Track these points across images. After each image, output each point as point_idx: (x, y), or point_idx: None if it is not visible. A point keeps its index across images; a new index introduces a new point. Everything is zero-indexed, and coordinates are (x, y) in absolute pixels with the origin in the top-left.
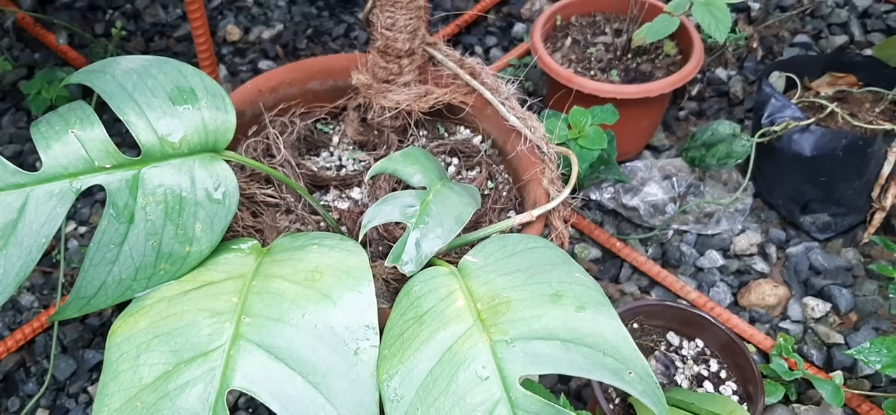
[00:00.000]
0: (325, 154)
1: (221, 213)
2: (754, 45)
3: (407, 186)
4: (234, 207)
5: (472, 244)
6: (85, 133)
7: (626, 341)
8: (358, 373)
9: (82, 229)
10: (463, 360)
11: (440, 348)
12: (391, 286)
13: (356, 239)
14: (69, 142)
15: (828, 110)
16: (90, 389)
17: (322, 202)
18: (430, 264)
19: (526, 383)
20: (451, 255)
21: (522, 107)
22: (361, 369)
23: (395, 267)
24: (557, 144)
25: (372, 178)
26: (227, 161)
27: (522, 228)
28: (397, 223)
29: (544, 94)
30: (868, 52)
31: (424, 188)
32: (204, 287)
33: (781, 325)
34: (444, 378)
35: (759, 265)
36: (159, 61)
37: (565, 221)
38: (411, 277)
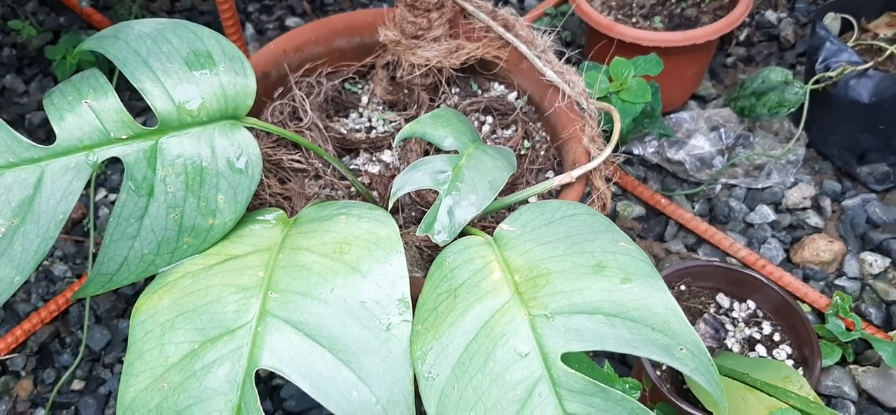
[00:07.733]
0: (354, 115)
1: (244, 183)
2: None
3: (438, 150)
4: (257, 177)
5: (509, 208)
6: (98, 103)
7: (676, 314)
8: (391, 349)
9: (112, 196)
10: (500, 335)
11: (476, 323)
12: (425, 254)
13: (386, 207)
14: (83, 113)
15: (887, 53)
16: (125, 359)
17: (352, 166)
18: (464, 233)
19: (568, 357)
20: (487, 220)
21: (560, 60)
22: (394, 345)
23: (428, 235)
24: (598, 99)
25: (402, 141)
26: (250, 128)
27: (562, 189)
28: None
29: (583, 44)
30: None
31: (456, 152)
32: (229, 261)
33: (837, 282)
34: (481, 355)
35: (813, 220)
36: (174, 24)
37: (608, 180)
38: (445, 247)
